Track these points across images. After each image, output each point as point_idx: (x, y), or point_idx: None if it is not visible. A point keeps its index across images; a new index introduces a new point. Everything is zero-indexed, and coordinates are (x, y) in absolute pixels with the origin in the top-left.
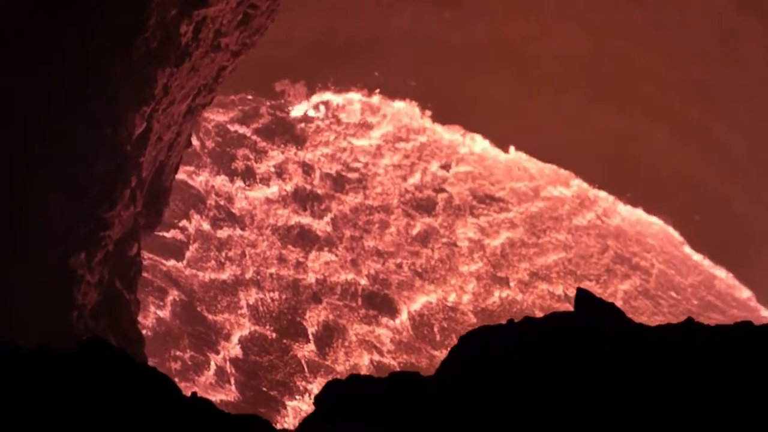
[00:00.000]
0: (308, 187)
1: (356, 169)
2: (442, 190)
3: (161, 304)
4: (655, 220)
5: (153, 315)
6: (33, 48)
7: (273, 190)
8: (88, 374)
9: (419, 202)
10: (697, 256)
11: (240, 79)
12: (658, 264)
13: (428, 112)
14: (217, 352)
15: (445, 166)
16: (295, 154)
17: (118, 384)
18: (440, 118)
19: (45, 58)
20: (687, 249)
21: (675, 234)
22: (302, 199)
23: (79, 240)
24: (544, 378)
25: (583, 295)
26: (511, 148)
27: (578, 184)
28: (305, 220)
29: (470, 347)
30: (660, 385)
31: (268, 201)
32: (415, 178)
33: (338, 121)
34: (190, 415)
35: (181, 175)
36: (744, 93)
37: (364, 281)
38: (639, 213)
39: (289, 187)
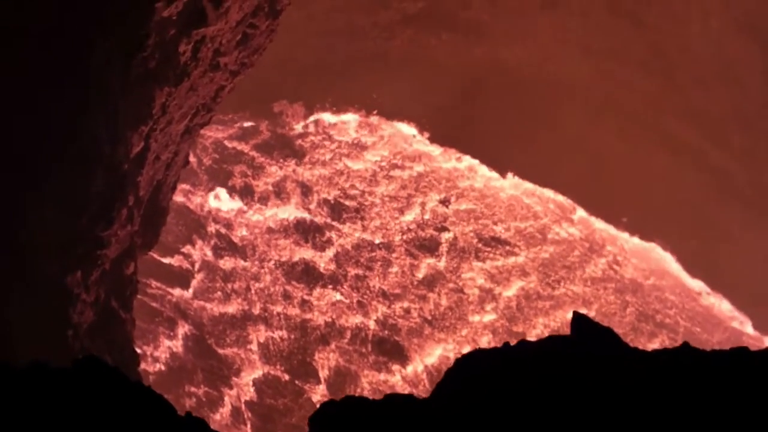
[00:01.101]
0: (307, 216)
1: (353, 197)
2: (445, 229)
3: (172, 334)
4: (661, 254)
5: (166, 348)
6: (33, 65)
7: (272, 212)
8: (83, 393)
9: (422, 241)
10: (716, 308)
11: (238, 100)
12: (683, 321)
13: (426, 134)
14: (231, 387)
15: (445, 201)
16: (294, 171)
17: (114, 403)
18: (437, 141)
19: (45, 74)
20: (705, 301)
21: (692, 284)
22: (303, 231)
23: (75, 258)
24: (540, 401)
25: (579, 319)
26: (509, 175)
27: (582, 219)
28: (308, 254)
29: (466, 370)
30: (656, 409)
31: (270, 230)
32: (414, 212)
33: (330, 138)
34: None
35: (180, 198)
36: (743, 119)
37: (372, 325)
38: (647, 256)
39: (288, 214)
